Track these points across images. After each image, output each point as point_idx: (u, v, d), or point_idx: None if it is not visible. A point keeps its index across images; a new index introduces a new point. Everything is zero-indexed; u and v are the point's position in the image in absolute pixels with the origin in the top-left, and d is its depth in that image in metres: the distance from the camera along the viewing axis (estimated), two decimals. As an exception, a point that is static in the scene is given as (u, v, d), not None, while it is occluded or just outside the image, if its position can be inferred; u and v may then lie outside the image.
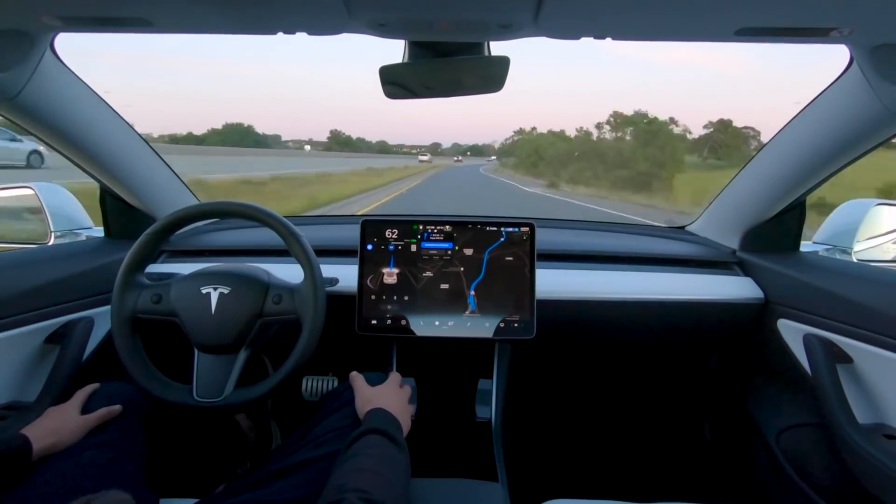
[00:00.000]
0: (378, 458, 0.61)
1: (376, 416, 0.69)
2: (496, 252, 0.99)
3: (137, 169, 1.06)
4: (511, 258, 0.99)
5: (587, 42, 0.62)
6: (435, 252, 1.00)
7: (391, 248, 1.00)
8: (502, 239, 0.99)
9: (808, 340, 0.92)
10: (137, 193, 1.07)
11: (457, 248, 1.00)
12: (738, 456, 1.20)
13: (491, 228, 1.00)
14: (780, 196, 1.00)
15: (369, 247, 0.99)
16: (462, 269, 0.99)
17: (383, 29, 0.60)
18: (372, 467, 0.58)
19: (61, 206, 1.20)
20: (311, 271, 0.83)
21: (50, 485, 0.63)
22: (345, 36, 0.63)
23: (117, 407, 0.76)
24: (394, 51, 0.71)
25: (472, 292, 0.98)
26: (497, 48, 0.70)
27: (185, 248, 1.15)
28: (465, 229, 1.00)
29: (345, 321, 0.97)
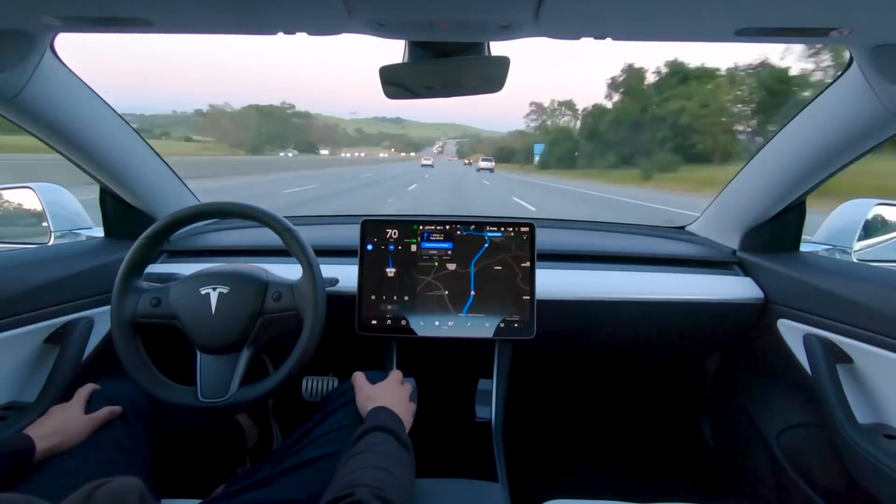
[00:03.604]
0: (387, 456, 0.61)
1: (380, 414, 0.70)
2: (496, 252, 0.99)
3: (137, 169, 1.06)
4: (511, 258, 0.99)
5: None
6: (435, 252, 1.00)
7: (391, 248, 1.00)
8: (502, 238, 0.99)
9: (808, 340, 0.92)
10: (137, 193, 1.07)
11: (457, 248, 1.00)
12: (738, 456, 1.20)
13: (491, 228, 1.00)
14: (780, 196, 1.00)
15: (369, 247, 0.99)
16: (462, 269, 0.99)
17: (383, 29, 0.60)
18: (382, 464, 0.58)
19: (61, 206, 1.20)
20: (310, 267, 0.83)
21: (55, 484, 0.63)
22: (344, 35, 0.63)
23: (119, 407, 0.76)
24: (394, 51, 0.71)
25: (473, 292, 0.98)
26: (497, 48, 0.70)
27: (185, 248, 1.15)
28: (465, 229, 1.00)
29: (345, 321, 0.97)
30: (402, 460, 0.62)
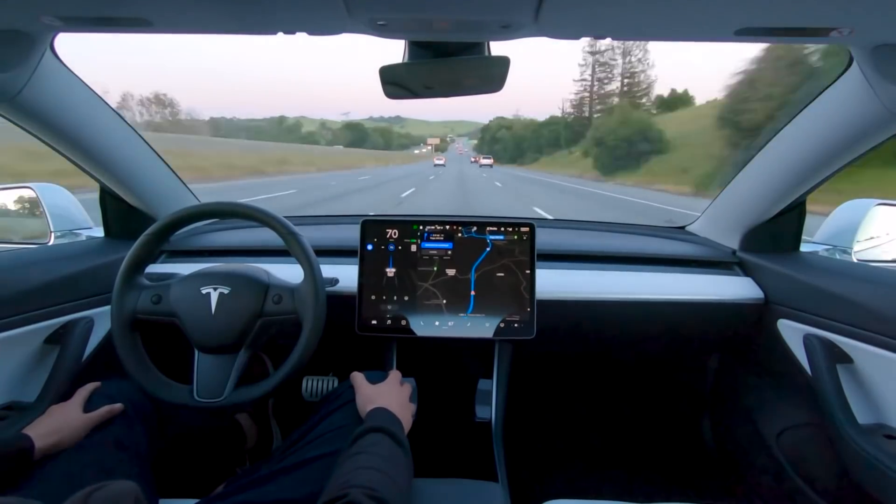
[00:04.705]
0: (382, 457, 0.61)
1: (378, 415, 0.70)
2: (496, 252, 0.99)
3: (137, 169, 1.06)
4: (511, 258, 0.99)
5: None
6: (435, 252, 1.00)
7: (391, 248, 1.00)
8: (502, 239, 0.99)
9: (808, 340, 0.92)
10: (137, 193, 1.07)
11: (457, 248, 1.00)
12: (738, 456, 1.20)
13: (491, 228, 1.00)
14: (780, 196, 1.00)
15: (369, 247, 0.99)
16: (462, 275, 0.99)
17: (383, 29, 0.60)
18: (376, 465, 0.58)
19: (61, 206, 1.20)
20: (311, 271, 0.83)
21: (53, 484, 0.63)
22: (344, 35, 0.63)
23: (119, 405, 0.76)
24: (394, 51, 0.71)
25: (472, 292, 0.98)
26: (497, 48, 0.70)
27: (185, 248, 1.15)
28: (465, 229, 1.00)
29: (345, 321, 0.97)
30: (399, 461, 0.62)
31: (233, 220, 1.30)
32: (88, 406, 0.75)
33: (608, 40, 0.63)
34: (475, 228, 1.00)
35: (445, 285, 0.99)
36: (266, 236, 0.92)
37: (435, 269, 0.99)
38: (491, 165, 47.26)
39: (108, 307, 0.85)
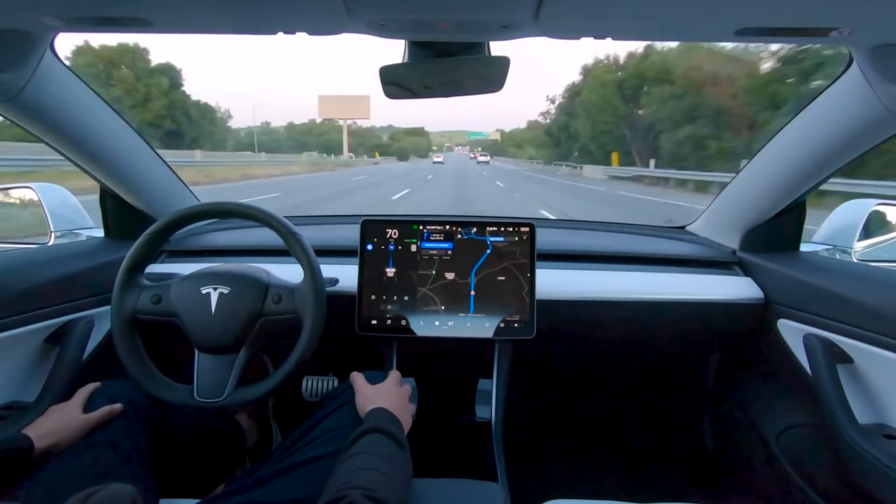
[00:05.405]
0: (381, 457, 0.61)
1: (377, 415, 0.70)
2: (496, 252, 0.99)
3: (137, 169, 1.06)
4: (511, 258, 0.99)
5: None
6: (435, 252, 1.00)
7: (391, 248, 1.00)
8: (502, 239, 0.99)
9: (808, 340, 0.92)
10: (137, 193, 1.07)
11: (457, 248, 1.00)
12: (738, 456, 1.20)
13: (491, 229, 1.00)
14: (780, 196, 1.00)
15: (369, 247, 0.99)
16: (462, 279, 0.99)
17: (383, 29, 0.60)
18: (375, 466, 0.58)
19: (61, 206, 1.20)
20: (312, 271, 0.83)
21: (52, 484, 0.63)
22: (344, 35, 0.63)
23: (118, 406, 0.76)
24: (394, 51, 0.71)
25: (473, 292, 0.98)
26: (497, 48, 0.70)
27: (185, 248, 1.15)
28: (465, 229, 1.00)
29: (345, 321, 0.97)
30: (398, 461, 0.62)
31: (233, 220, 1.30)
32: (88, 406, 0.75)
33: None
34: (475, 229, 1.00)
35: (445, 287, 0.99)
36: (266, 236, 0.92)
37: (435, 270, 0.99)
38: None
39: (108, 307, 0.85)
